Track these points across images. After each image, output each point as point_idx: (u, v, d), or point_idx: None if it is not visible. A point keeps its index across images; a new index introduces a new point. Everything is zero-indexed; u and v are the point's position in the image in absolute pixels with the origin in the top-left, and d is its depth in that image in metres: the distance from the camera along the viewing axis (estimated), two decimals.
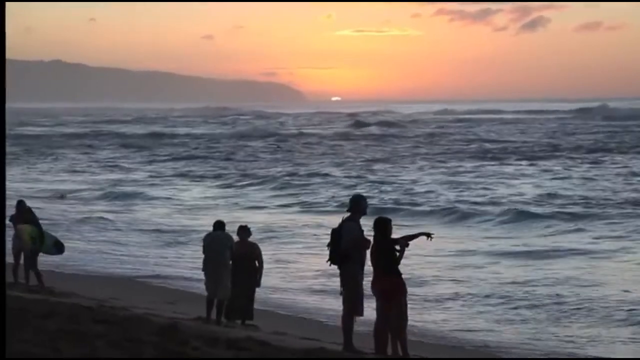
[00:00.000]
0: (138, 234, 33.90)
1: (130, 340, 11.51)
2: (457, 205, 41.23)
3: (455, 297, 22.50)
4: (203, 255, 17.32)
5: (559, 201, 42.19)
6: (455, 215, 38.83)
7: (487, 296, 22.48)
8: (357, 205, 14.12)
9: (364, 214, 14.14)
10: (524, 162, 65.18)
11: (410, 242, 13.80)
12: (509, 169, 60.16)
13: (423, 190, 48.32)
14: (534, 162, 65.31)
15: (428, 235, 14.06)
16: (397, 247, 13.61)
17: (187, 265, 26.54)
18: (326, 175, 57.31)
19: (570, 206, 40.22)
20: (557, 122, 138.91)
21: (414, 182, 52.53)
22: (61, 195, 48.47)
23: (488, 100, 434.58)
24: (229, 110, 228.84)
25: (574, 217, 36.87)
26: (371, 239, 13.78)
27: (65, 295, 19.22)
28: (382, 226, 13.73)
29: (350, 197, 14.62)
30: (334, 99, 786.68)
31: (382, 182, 52.57)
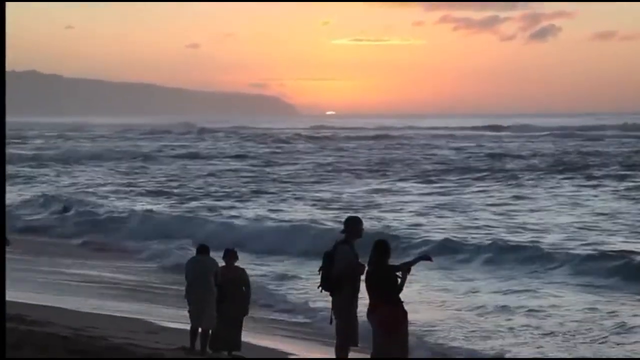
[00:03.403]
0: None
1: None
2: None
3: None
4: (185, 282, 17.27)
5: None
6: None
7: None
8: (353, 227, 13.95)
9: (360, 236, 13.97)
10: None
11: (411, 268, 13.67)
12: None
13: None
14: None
15: (428, 258, 13.97)
16: (399, 274, 13.42)
17: None
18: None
19: None
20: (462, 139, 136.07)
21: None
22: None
23: (491, 114, 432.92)
24: (190, 126, 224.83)
25: None
26: (366, 263, 13.61)
27: (38, 323, 19.13)
28: (382, 249, 13.55)
29: (346, 218, 14.39)
30: (328, 113, 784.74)
31: None
